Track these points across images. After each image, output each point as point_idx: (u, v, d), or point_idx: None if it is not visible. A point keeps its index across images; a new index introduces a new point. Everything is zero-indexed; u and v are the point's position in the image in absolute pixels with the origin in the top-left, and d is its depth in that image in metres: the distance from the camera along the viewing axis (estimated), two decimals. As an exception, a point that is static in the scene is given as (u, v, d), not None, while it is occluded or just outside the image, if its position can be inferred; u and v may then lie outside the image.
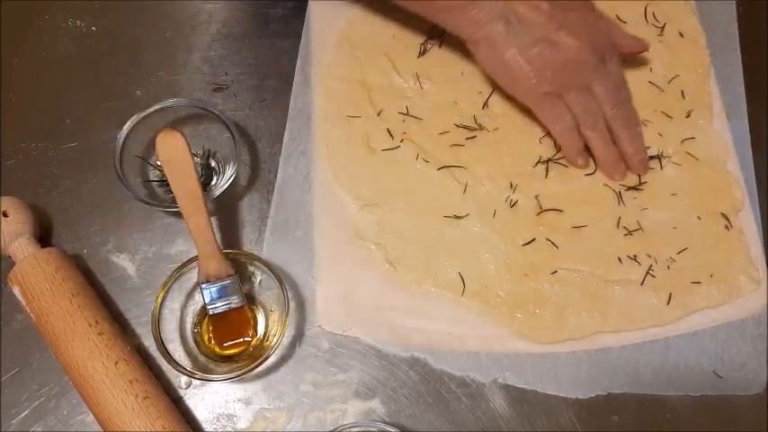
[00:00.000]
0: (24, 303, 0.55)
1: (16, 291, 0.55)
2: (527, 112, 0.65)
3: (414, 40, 0.69)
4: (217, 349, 0.57)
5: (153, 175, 0.63)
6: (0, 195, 0.59)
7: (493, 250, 0.61)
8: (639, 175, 0.63)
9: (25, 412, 0.56)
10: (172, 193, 0.55)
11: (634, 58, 0.67)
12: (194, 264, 0.56)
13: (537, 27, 0.58)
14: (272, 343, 0.54)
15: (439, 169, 0.63)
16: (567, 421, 0.56)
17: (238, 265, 0.58)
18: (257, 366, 0.54)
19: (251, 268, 0.59)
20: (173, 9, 0.72)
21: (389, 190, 0.63)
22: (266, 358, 0.54)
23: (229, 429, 0.56)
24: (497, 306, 0.59)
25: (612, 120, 0.62)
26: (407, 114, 0.66)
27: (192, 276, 0.57)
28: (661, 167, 0.64)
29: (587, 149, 0.64)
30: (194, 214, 0.54)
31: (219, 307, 0.56)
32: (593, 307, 0.59)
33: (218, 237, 0.56)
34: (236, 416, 0.56)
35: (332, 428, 0.52)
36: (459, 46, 0.64)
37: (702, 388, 0.57)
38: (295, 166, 0.64)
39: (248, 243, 0.62)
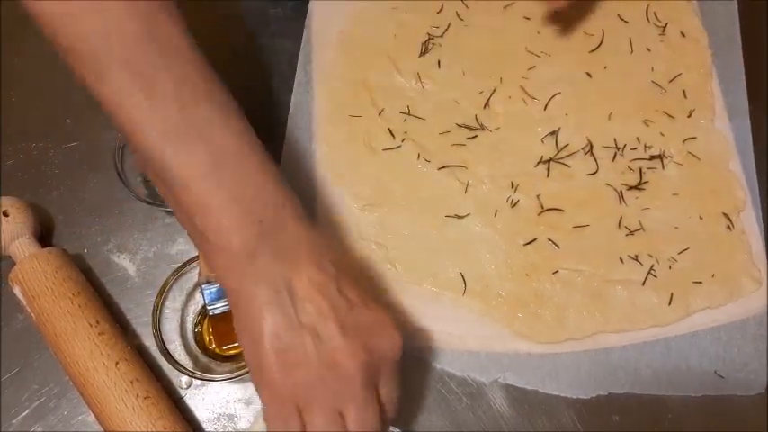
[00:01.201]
0: (25, 303, 0.55)
1: (17, 290, 0.55)
2: (528, 112, 0.65)
3: (415, 40, 0.68)
4: (218, 349, 0.57)
5: (153, 174, 0.63)
6: (0, 195, 0.59)
7: (494, 250, 0.60)
8: (641, 175, 0.63)
9: (25, 412, 0.56)
10: (172, 192, 0.55)
11: (636, 58, 0.67)
12: (195, 263, 0.56)
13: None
14: (273, 343, 0.54)
15: (440, 169, 0.63)
16: (568, 421, 0.56)
17: (239, 265, 0.57)
18: (258, 366, 0.53)
19: (252, 268, 0.58)
20: (173, 8, 0.72)
21: (390, 190, 0.63)
22: (267, 358, 0.54)
23: (230, 429, 0.56)
24: (498, 306, 0.59)
25: None
26: (409, 114, 0.65)
27: (193, 276, 0.57)
28: (663, 167, 0.64)
29: None
30: (195, 214, 0.54)
31: (219, 307, 0.56)
32: (594, 307, 0.58)
33: (218, 236, 0.56)
34: (236, 416, 0.56)
35: (333, 429, 0.52)
36: (461, 46, 0.63)
37: (703, 388, 0.57)
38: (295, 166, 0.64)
39: (249, 243, 0.62)
